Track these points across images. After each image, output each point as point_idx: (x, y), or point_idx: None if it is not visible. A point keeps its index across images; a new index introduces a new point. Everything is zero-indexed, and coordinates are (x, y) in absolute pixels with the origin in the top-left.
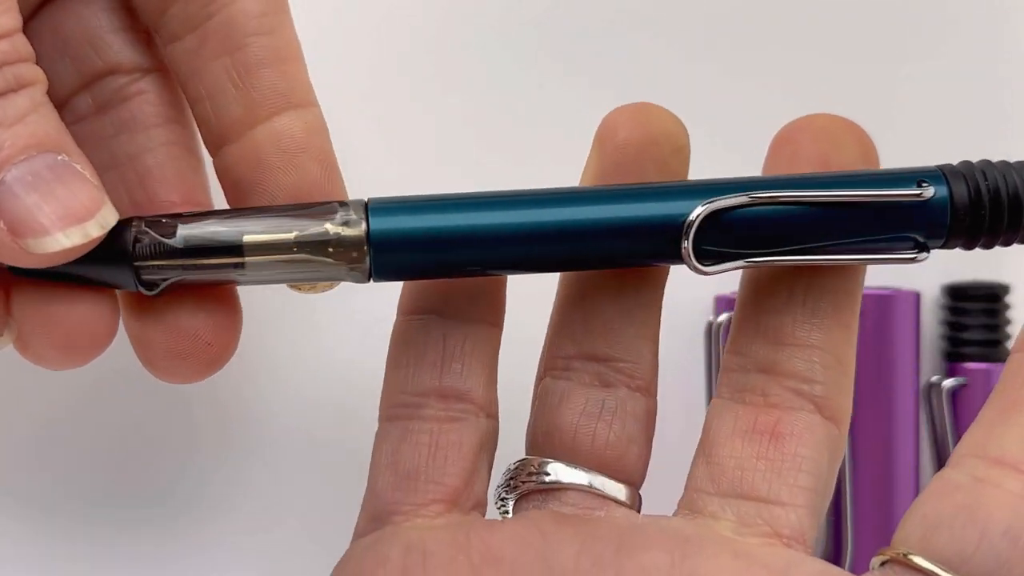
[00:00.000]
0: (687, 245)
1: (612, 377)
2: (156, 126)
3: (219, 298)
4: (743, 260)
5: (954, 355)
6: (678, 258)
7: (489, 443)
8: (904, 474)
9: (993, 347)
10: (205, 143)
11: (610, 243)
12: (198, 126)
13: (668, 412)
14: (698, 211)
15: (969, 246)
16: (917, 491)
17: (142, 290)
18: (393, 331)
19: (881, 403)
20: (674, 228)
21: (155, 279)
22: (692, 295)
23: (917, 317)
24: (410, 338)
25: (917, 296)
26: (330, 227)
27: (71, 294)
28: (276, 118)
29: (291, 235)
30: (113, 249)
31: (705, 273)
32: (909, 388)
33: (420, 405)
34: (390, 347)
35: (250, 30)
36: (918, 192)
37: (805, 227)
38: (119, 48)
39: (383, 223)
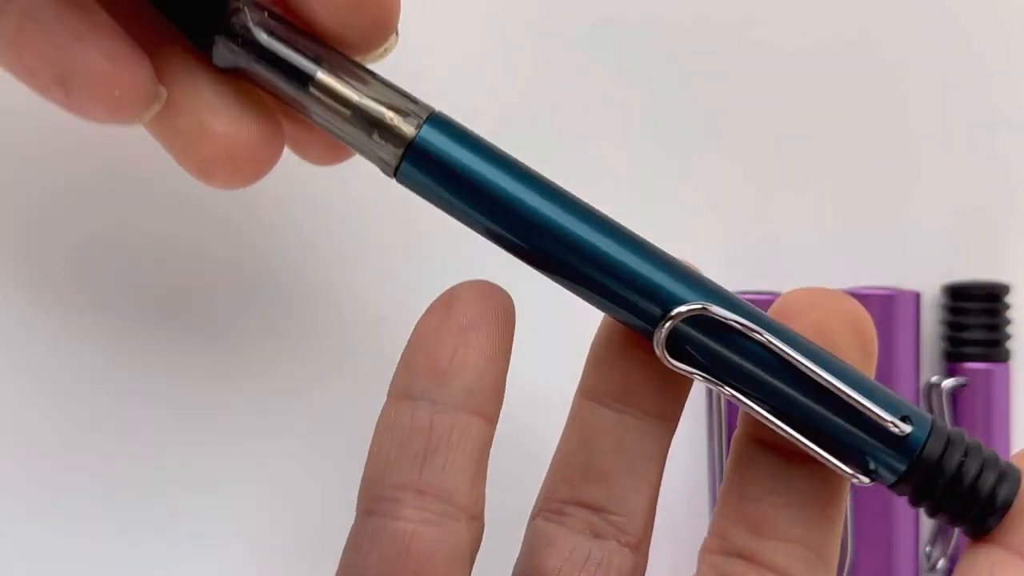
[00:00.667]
0: (660, 335)
1: (604, 528)
2: None
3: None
4: (707, 375)
5: (954, 355)
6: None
7: (468, 549)
8: None
9: (993, 347)
10: None
11: (603, 276)
12: None
13: None
14: (685, 308)
15: (914, 503)
16: None
17: (213, 56)
18: (380, 415)
19: None
20: (661, 308)
21: (229, 55)
22: None
23: (917, 317)
24: (394, 423)
25: (917, 296)
26: (388, 113)
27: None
28: None
29: (355, 97)
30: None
31: (671, 365)
32: (909, 388)
33: (397, 500)
34: (374, 432)
35: None
36: (896, 424)
37: (778, 384)
38: None
39: (431, 138)
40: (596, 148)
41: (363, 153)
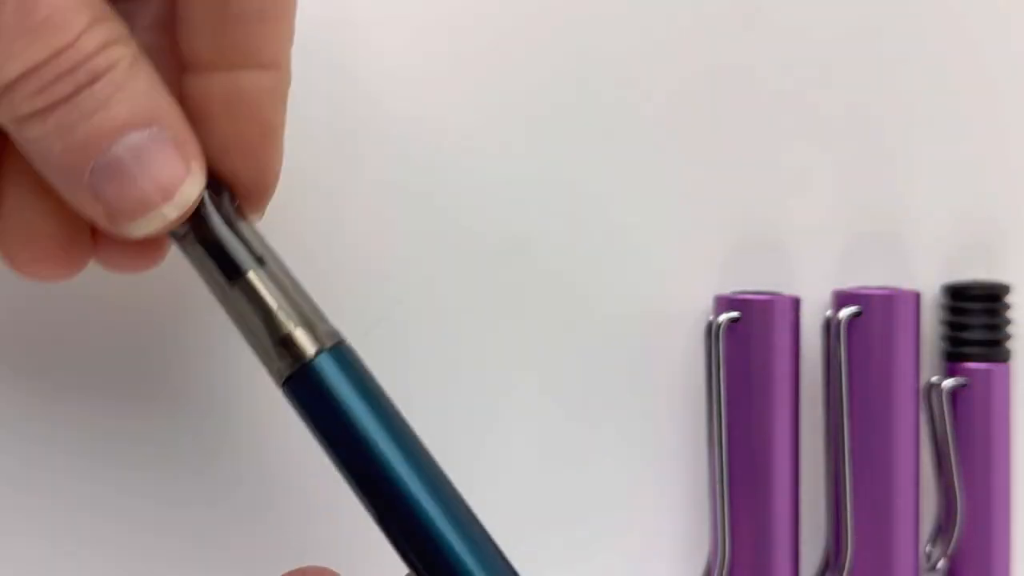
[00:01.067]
0: None
1: None
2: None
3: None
4: None
5: (954, 355)
6: None
7: None
8: (904, 474)
9: (994, 347)
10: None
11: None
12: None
13: (669, 412)
14: None
15: None
16: (917, 491)
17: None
18: None
19: (881, 403)
20: None
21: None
22: (692, 295)
23: (917, 317)
24: None
25: (917, 296)
26: (297, 330)
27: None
28: (237, 72)
29: (274, 305)
30: None
31: None
32: (909, 388)
33: None
34: None
35: None
36: None
37: None
38: None
39: (320, 371)
40: (595, 148)
41: (256, 351)
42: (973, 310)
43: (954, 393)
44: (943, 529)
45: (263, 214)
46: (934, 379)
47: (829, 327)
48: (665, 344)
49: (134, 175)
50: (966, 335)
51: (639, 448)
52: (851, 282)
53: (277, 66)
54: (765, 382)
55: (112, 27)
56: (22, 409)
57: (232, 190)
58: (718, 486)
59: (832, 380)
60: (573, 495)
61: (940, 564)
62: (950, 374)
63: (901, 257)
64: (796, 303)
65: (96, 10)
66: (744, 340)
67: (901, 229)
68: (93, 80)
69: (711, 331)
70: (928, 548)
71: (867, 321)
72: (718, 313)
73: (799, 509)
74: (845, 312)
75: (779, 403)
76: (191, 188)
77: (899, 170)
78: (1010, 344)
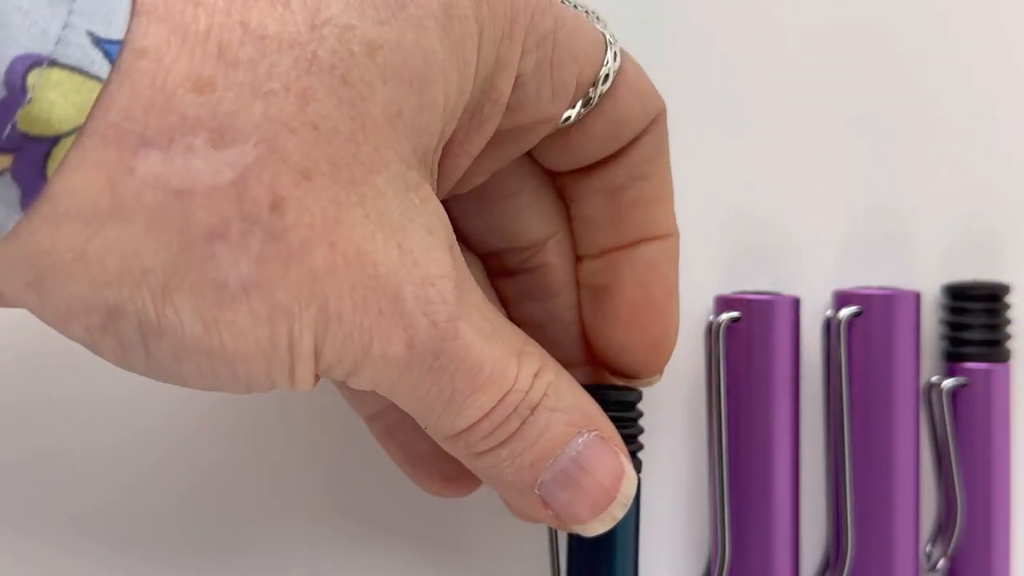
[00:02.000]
0: None
1: None
2: (558, 295)
3: None
4: None
5: (954, 355)
6: None
7: None
8: (904, 474)
9: (994, 347)
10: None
11: None
12: (573, 235)
13: (669, 411)
14: None
15: None
16: (917, 491)
17: None
18: None
19: (881, 403)
20: None
21: None
22: (692, 295)
23: (917, 317)
24: None
25: (917, 296)
26: None
27: None
28: (637, 247)
29: None
30: None
31: None
32: (909, 388)
33: None
34: None
35: (632, 175)
36: None
37: None
38: (535, 226)
39: None
40: None
41: None
42: (973, 310)
43: (954, 393)
44: (943, 529)
45: (662, 374)
46: (934, 379)
47: (829, 327)
48: None
49: (581, 483)
50: (966, 335)
51: None
52: (851, 282)
53: (669, 232)
54: (765, 382)
55: (531, 351)
56: (22, 409)
57: (634, 375)
58: (718, 486)
59: (832, 380)
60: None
61: (940, 564)
62: (950, 374)
63: (901, 257)
64: (796, 303)
65: (518, 342)
66: (744, 340)
67: (901, 229)
68: (533, 409)
69: (711, 331)
70: (928, 548)
71: (867, 321)
72: (718, 313)
73: (799, 509)
74: (845, 312)
75: (779, 403)
76: (630, 485)
77: (899, 170)
78: (1010, 344)
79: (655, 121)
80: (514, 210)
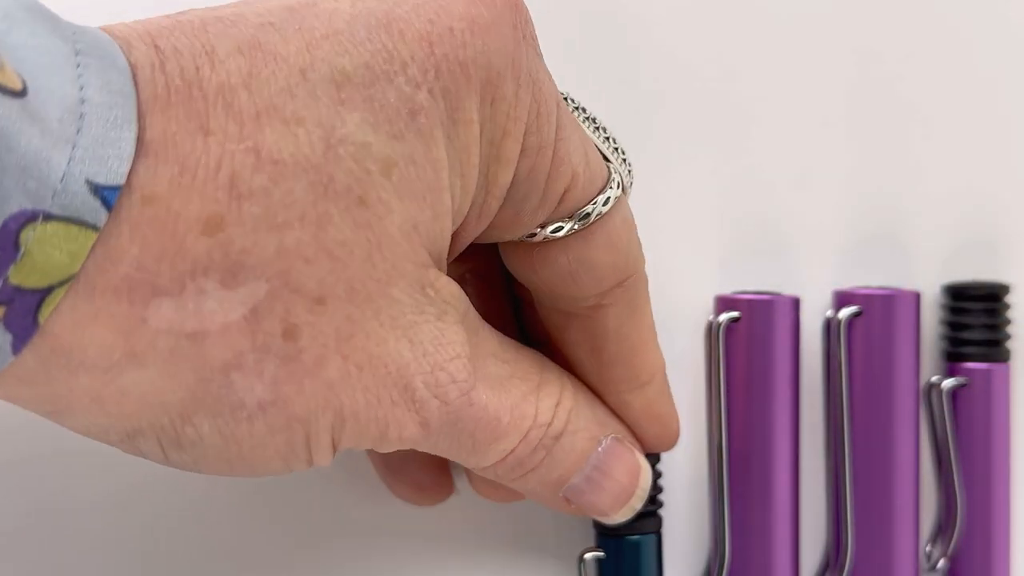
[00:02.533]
0: None
1: None
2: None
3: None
4: None
5: (954, 355)
6: None
7: None
8: (904, 474)
9: (993, 347)
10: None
11: None
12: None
13: None
14: None
15: None
16: (917, 491)
17: None
18: None
19: (881, 403)
20: None
21: None
22: (692, 295)
23: (917, 317)
24: None
25: (917, 296)
26: None
27: None
28: (623, 395)
29: None
30: None
31: None
32: (909, 388)
33: None
34: None
35: (610, 336)
36: None
37: None
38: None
39: None
40: None
41: None
42: (973, 310)
43: (954, 393)
44: (943, 529)
45: None
46: (934, 379)
47: (829, 327)
48: (665, 344)
49: (603, 485)
50: (966, 335)
51: None
52: (851, 282)
53: (651, 377)
54: (765, 382)
55: (550, 378)
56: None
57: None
58: (718, 486)
59: (832, 380)
60: None
61: (940, 564)
62: (950, 374)
63: (901, 257)
64: (796, 303)
65: (536, 373)
66: (744, 340)
67: (901, 229)
68: (558, 438)
69: (711, 331)
70: (928, 548)
71: (867, 321)
72: (718, 313)
73: (799, 509)
74: (845, 312)
75: (779, 403)
76: (647, 477)
77: (899, 170)
78: (1010, 344)
79: (624, 284)
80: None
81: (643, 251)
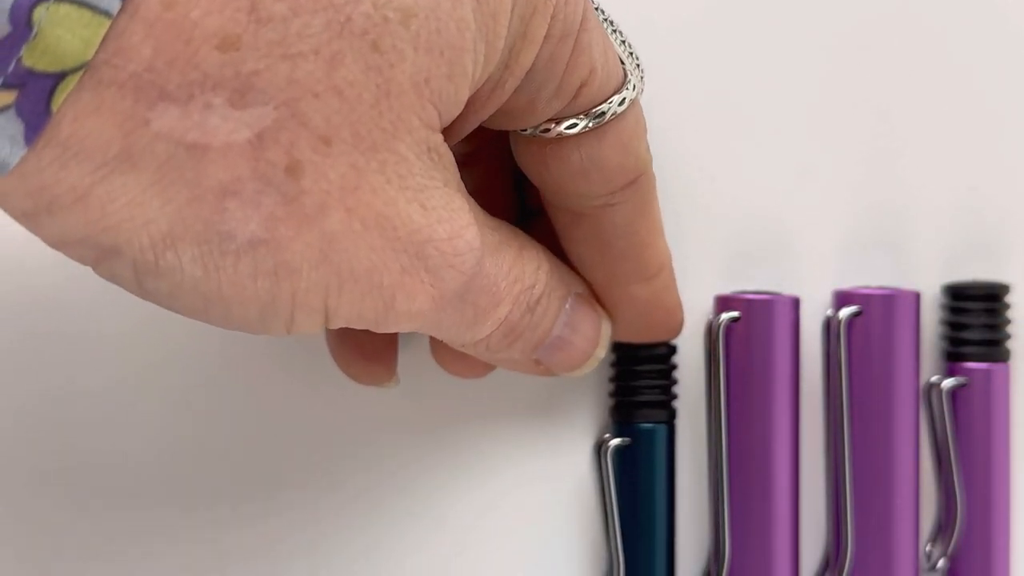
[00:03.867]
0: None
1: None
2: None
3: None
4: None
5: (954, 355)
6: None
7: None
8: (904, 474)
9: (993, 347)
10: None
11: None
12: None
13: None
14: None
15: None
16: (917, 491)
17: None
18: None
19: (881, 403)
20: None
21: None
22: (692, 295)
23: (917, 317)
24: None
25: (917, 296)
26: None
27: None
28: (630, 287)
29: None
30: None
31: None
32: (909, 388)
33: None
34: None
35: (619, 233)
36: None
37: None
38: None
39: None
40: None
41: None
42: (973, 310)
43: (954, 393)
44: (943, 529)
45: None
46: (934, 379)
47: (829, 327)
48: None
49: (571, 343)
50: (966, 335)
51: None
52: (851, 282)
53: (660, 269)
54: (765, 382)
55: (526, 244)
56: (20, 410)
57: None
58: (718, 486)
59: (832, 380)
60: (573, 492)
61: (940, 564)
62: (950, 374)
63: (901, 257)
64: (796, 303)
65: (517, 241)
66: (744, 340)
67: (901, 229)
68: (539, 300)
69: (711, 331)
70: (928, 548)
71: (867, 321)
72: (718, 313)
73: (799, 509)
74: (845, 312)
75: (779, 403)
76: (607, 326)
77: (899, 170)
78: (1010, 344)
79: (634, 184)
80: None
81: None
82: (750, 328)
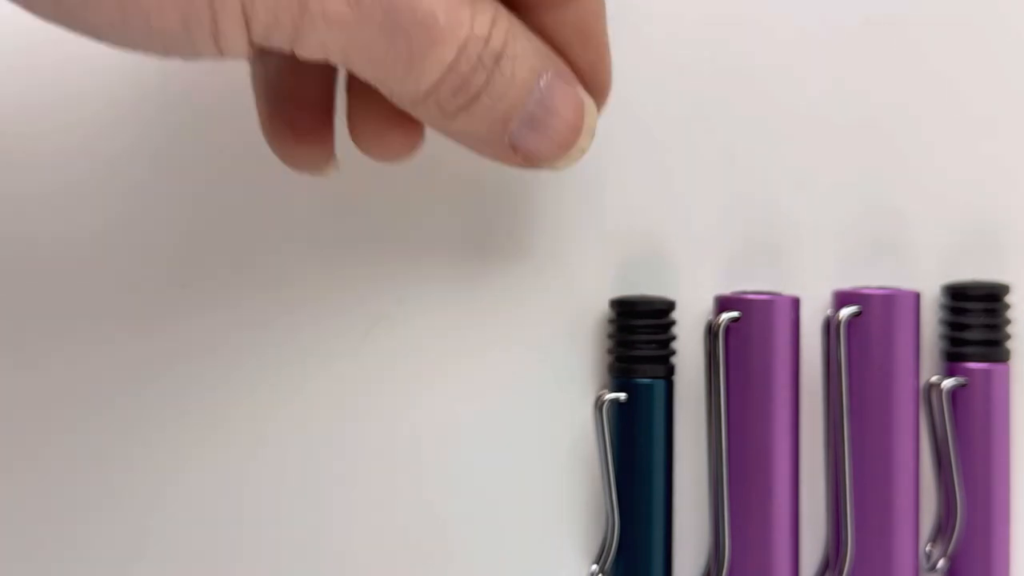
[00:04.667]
0: None
1: None
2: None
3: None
4: None
5: (954, 355)
6: None
7: None
8: (904, 474)
9: (993, 347)
10: None
11: None
12: None
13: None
14: None
15: None
16: (917, 491)
17: None
18: None
19: (881, 403)
20: None
21: None
22: (691, 295)
23: (917, 317)
24: None
25: (917, 296)
26: None
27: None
28: (557, 8)
29: None
30: None
31: None
32: (909, 388)
33: None
34: None
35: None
36: None
37: None
38: None
39: None
40: (594, 148)
41: None
42: (973, 310)
43: (954, 393)
44: (943, 529)
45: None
46: (934, 379)
47: (829, 327)
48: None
49: (548, 124)
50: (966, 335)
51: None
52: (851, 282)
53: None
54: (765, 382)
55: (485, 4)
56: (20, 412)
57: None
58: (718, 486)
59: (832, 380)
60: (573, 492)
61: (940, 564)
62: (950, 374)
63: (901, 257)
64: (796, 303)
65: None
66: (744, 340)
67: (901, 229)
68: (498, 59)
69: (711, 331)
70: (928, 548)
71: (867, 321)
72: (718, 313)
73: (799, 509)
74: (845, 312)
75: (779, 403)
76: (592, 114)
77: (899, 170)
78: (1009, 344)
79: None
80: None
81: None
82: (750, 328)
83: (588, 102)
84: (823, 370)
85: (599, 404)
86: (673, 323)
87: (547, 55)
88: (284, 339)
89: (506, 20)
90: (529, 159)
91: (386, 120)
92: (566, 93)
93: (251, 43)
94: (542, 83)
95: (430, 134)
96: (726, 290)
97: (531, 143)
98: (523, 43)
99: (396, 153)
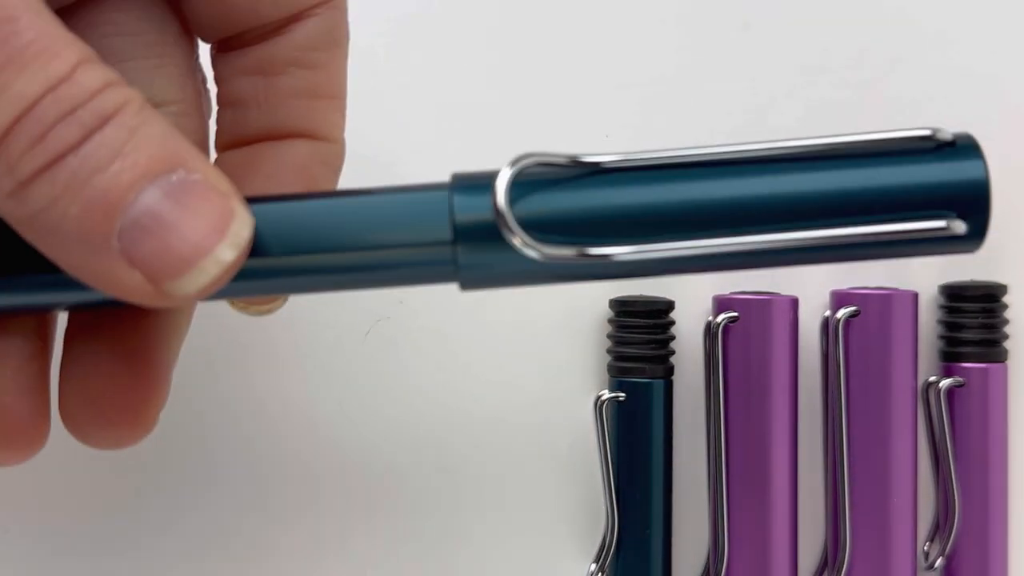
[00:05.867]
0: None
1: None
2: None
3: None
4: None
5: (951, 355)
6: None
7: None
8: (902, 474)
9: (990, 347)
10: (215, 138)
11: None
12: (217, 122)
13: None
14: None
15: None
16: (915, 490)
17: None
18: None
19: (878, 403)
20: None
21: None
22: (690, 295)
23: (915, 317)
24: None
25: (915, 296)
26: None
27: None
28: (289, 142)
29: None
30: None
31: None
32: (906, 388)
33: None
34: None
35: (293, 60)
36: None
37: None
38: (167, 89)
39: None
40: (594, 143)
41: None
42: (970, 310)
43: (951, 393)
44: (940, 528)
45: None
46: (931, 379)
47: (827, 327)
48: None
49: (175, 222)
50: (963, 335)
51: None
52: (849, 282)
53: (333, 138)
54: (764, 382)
55: (111, 72)
56: None
57: None
58: (716, 485)
59: (830, 380)
60: (573, 492)
61: (938, 563)
62: (947, 374)
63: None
64: (794, 303)
65: (89, 52)
66: (743, 340)
67: None
68: (102, 123)
69: (710, 331)
70: (925, 547)
71: (865, 321)
72: (717, 313)
73: (798, 509)
74: (843, 312)
75: (777, 403)
76: (242, 223)
77: None
78: (1006, 344)
79: (329, 3)
80: (144, 69)
81: None
82: (749, 328)
83: (242, 213)
84: (821, 370)
85: (599, 404)
86: (672, 323)
87: (195, 155)
88: (284, 339)
89: (135, 94)
90: (151, 275)
91: (108, 380)
92: (209, 194)
93: None
94: (174, 178)
95: (424, 131)
96: (725, 290)
97: (147, 247)
98: (156, 128)
99: (121, 434)
